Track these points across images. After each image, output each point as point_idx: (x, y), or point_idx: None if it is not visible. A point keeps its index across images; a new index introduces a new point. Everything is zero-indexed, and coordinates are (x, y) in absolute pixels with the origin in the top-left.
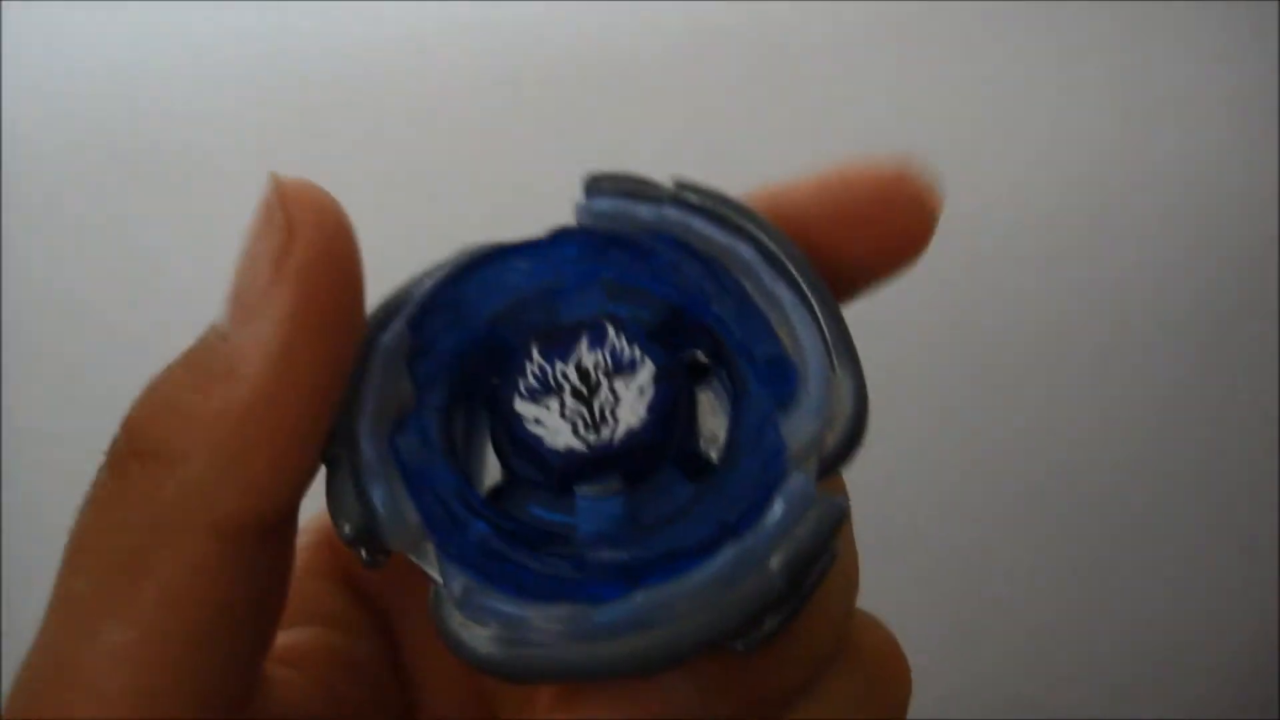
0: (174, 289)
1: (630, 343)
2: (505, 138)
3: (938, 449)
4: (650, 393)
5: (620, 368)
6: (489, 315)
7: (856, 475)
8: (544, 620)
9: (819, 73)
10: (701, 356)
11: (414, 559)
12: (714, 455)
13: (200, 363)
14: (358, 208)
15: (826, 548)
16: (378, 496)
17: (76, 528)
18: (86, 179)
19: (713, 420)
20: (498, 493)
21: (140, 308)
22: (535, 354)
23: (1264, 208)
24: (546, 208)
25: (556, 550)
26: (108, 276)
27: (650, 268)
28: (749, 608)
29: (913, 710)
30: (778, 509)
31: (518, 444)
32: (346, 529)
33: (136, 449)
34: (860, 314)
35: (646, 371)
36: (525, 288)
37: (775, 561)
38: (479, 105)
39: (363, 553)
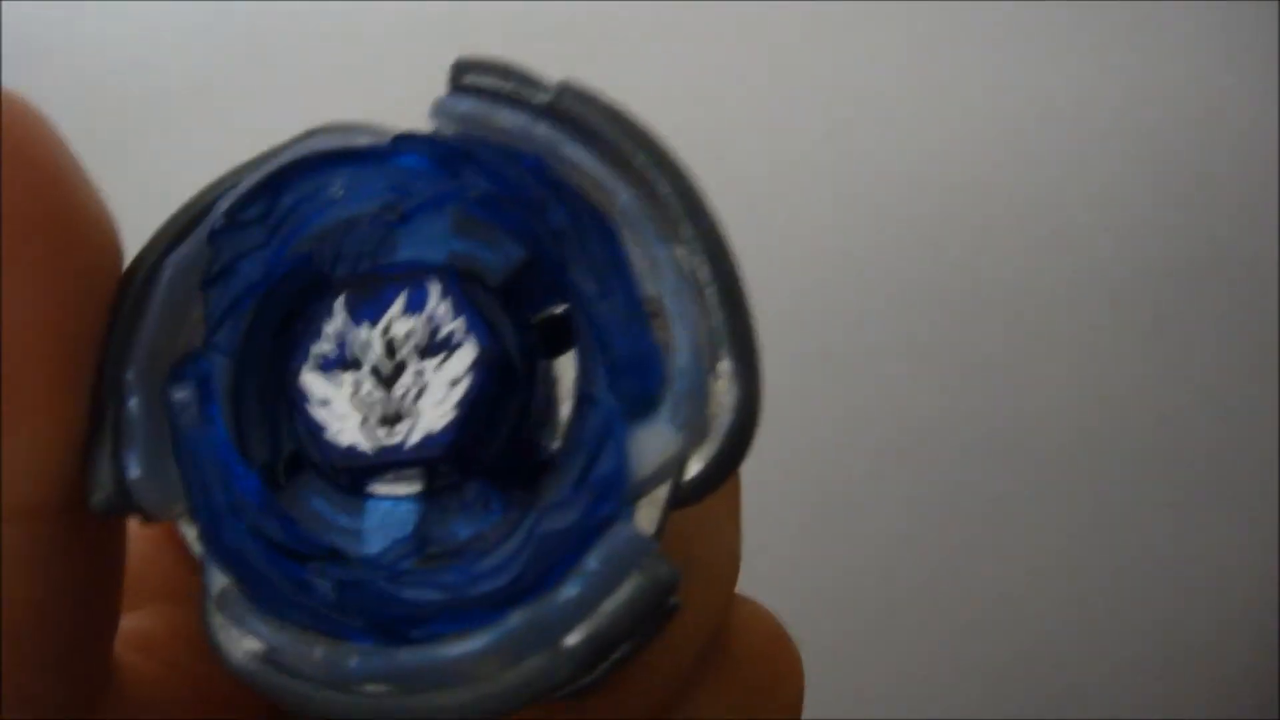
0: None
1: (456, 311)
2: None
3: (927, 437)
4: (464, 385)
5: (434, 346)
6: (309, 236)
7: (848, 469)
8: (297, 653)
9: (809, 42)
10: (553, 312)
11: (183, 532)
12: (537, 439)
13: None
14: None
15: (638, 630)
16: (134, 465)
17: None
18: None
19: (542, 389)
20: (284, 468)
21: None
22: (339, 310)
23: (1264, 208)
24: None
25: (327, 570)
26: None
27: (507, 202)
28: (526, 692)
29: (911, 709)
30: (589, 569)
31: (300, 423)
32: (94, 498)
33: None
34: (856, 307)
35: (465, 357)
36: (358, 205)
37: (571, 640)
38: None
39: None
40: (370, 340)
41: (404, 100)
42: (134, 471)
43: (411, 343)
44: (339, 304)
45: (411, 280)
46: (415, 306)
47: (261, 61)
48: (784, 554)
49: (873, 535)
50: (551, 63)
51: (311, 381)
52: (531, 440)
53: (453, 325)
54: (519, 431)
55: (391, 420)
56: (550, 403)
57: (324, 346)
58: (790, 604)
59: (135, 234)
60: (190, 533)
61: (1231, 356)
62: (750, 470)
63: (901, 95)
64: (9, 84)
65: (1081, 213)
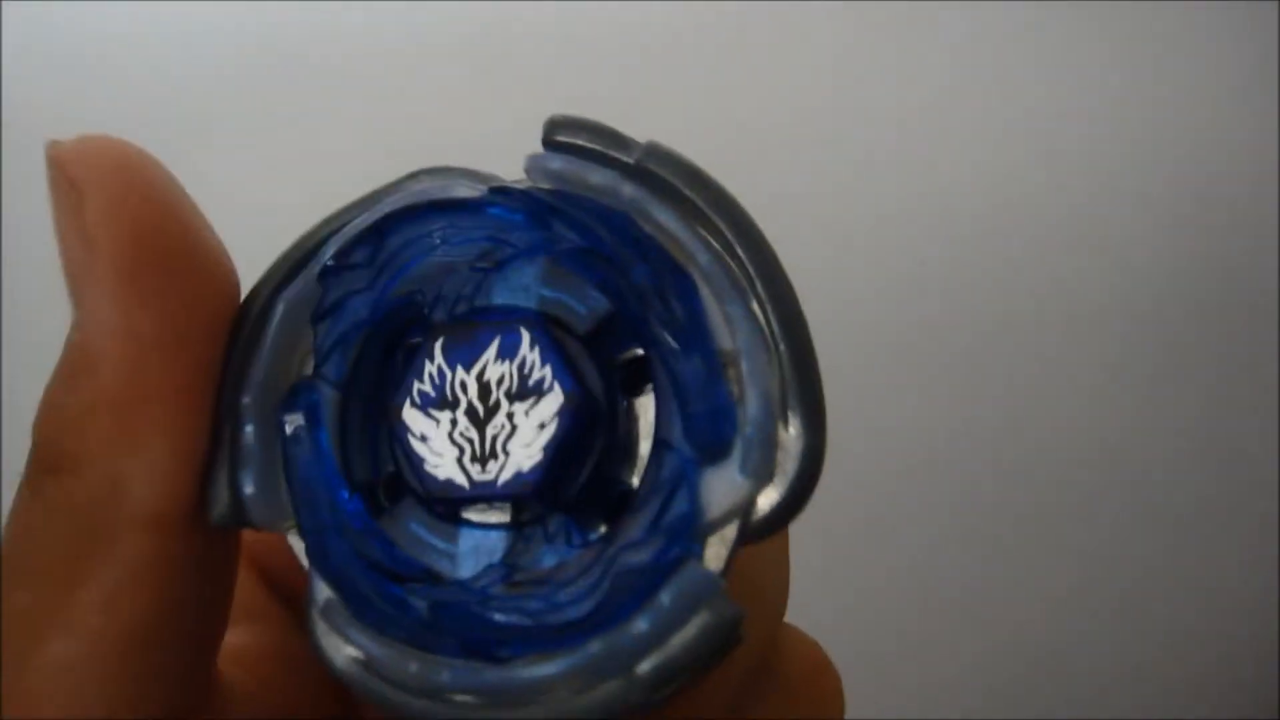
0: None
1: (544, 359)
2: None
3: (934, 445)
4: (551, 429)
5: (525, 391)
6: (411, 278)
7: (851, 468)
8: (395, 665)
9: (811, 49)
10: (634, 360)
11: (292, 544)
12: (619, 479)
13: (65, 362)
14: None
15: (706, 662)
16: (248, 483)
17: (9, 544)
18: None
19: (625, 436)
20: (385, 490)
21: None
22: (438, 353)
23: (1264, 207)
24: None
25: (423, 591)
26: None
27: (594, 256)
28: (600, 713)
29: (908, 706)
30: (661, 604)
31: (400, 454)
32: (212, 514)
33: (44, 463)
34: (853, 306)
35: (553, 402)
36: (456, 252)
37: (643, 668)
38: (466, 71)
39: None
40: (466, 382)
41: (415, 111)
42: (248, 489)
43: (504, 387)
44: (438, 347)
45: (504, 328)
46: (507, 352)
47: (268, 63)
48: (812, 566)
49: (883, 549)
50: (578, 75)
51: (412, 417)
52: (613, 475)
53: (542, 372)
54: (601, 467)
55: (484, 458)
56: (631, 439)
57: (424, 385)
58: (814, 615)
59: None
60: (299, 545)
61: (1252, 366)
62: None
63: (903, 107)
64: (9, 84)
65: (1105, 223)
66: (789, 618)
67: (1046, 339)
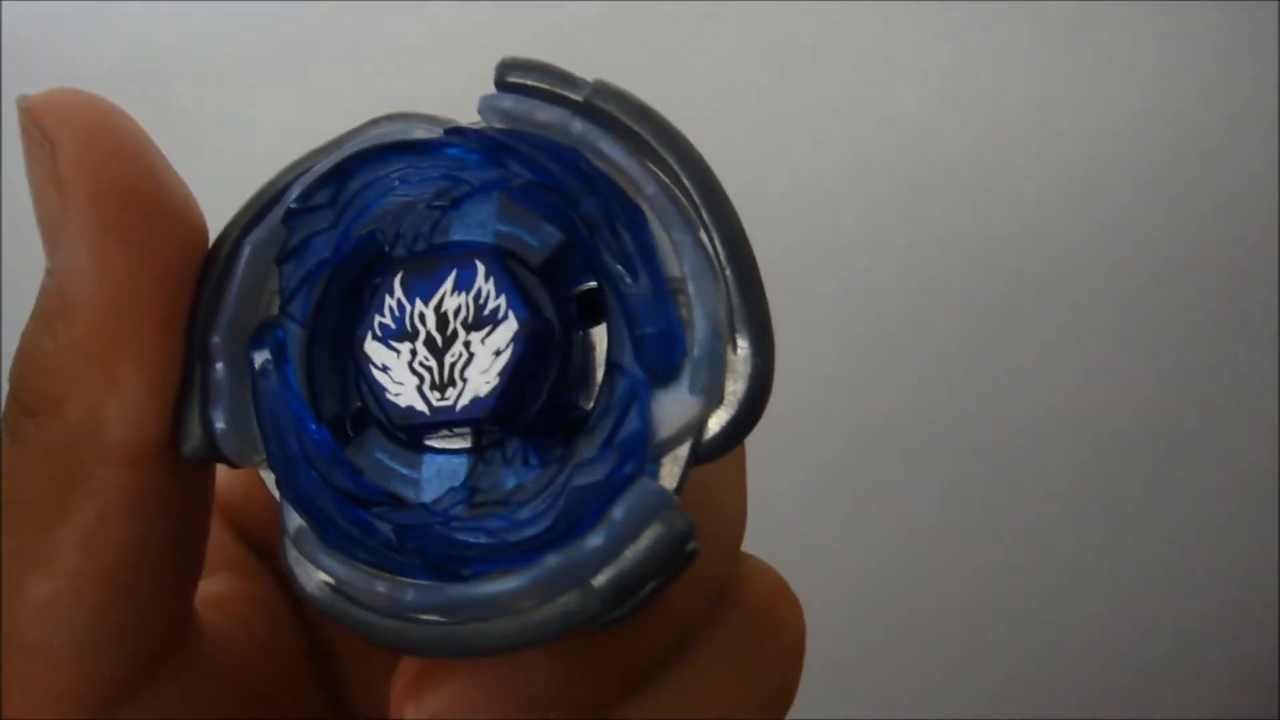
0: None
1: (499, 290)
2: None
3: (928, 437)
4: (506, 355)
5: (480, 320)
6: (372, 218)
7: (846, 457)
8: (362, 586)
9: (808, 36)
10: (586, 289)
11: (262, 477)
12: (572, 402)
13: (41, 308)
14: None
15: (659, 573)
16: (220, 418)
17: None
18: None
19: (577, 361)
20: (351, 423)
21: None
22: (397, 287)
23: (1264, 207)
24: None
25: (388, 515)
26: None
27: (546, 191)
28: (560, 624)
29: (908, 706)
30: (615, 519)
31: (364, 385)
32: (185, 448)
33: (23, 406)
34: (852, 296)
35: (506, 330)
36: (415, 191)
37: (599, 580)
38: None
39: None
40: (425, 314)
41: (419, 84)
42: (220, 424)
43: (461, 317)
44: (397, 281)
45: (460, 261)
46: (464, 284)
47: (272, 48)
48: (806, 554)
49: (873, 542)
50: (577, 58)
51: (374, 349)
52: (569, 401)
53: (496, 302)
54: (557, 394)
55: (443, 385)
56: (587, 367)
57: (384, 318)
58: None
59: None
60: (269, 478)
61: (1248, 355)
62: (774, 470)
63: (902, 101)
64: (9, 84)
65: (1103, 217)
66: None
67: (1045, 329)
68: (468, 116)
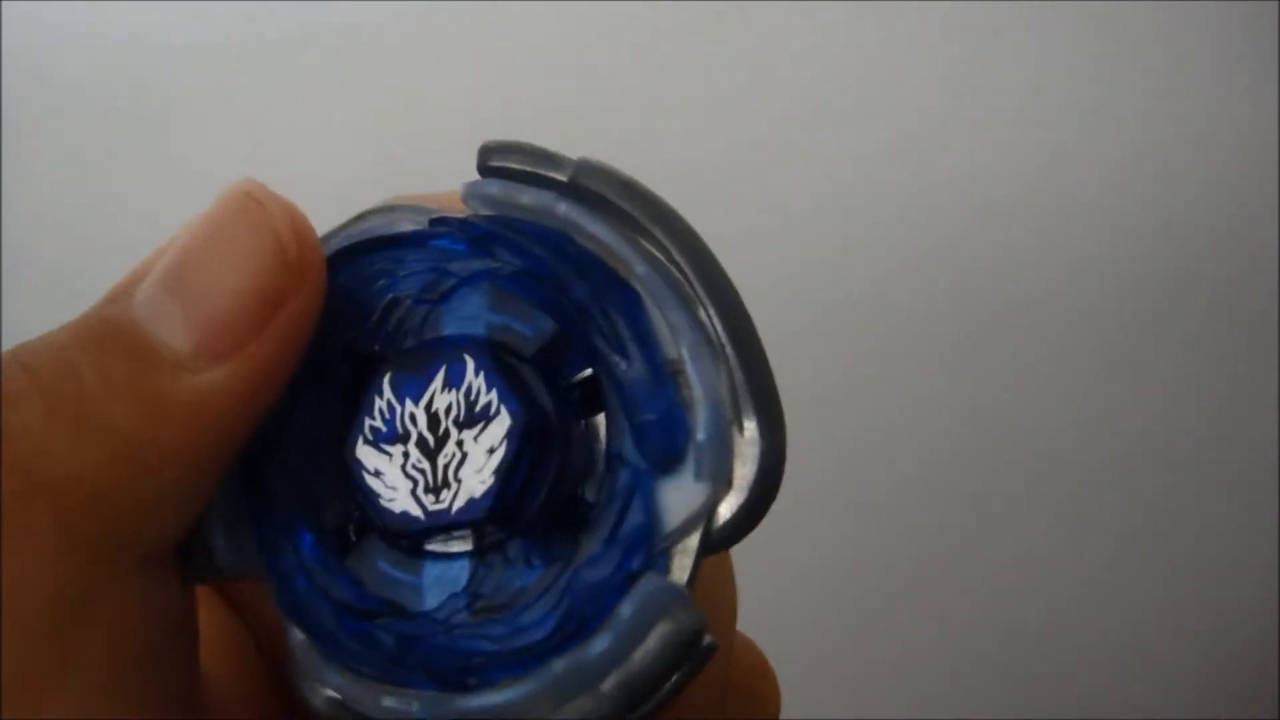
0: None
1: (490, 384)
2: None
3: (931, 443)
4: (501, 452)
5: (472, 417)
6: (362, 315)
7: (850, 466)
8: (369, 701)
9: (809, 42)
10: (583, 378)
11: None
12: (575, 496)
13: (155, 392)
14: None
15: (671, 672)
16: (218, 535)
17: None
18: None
19: (577, 453)
20: (356, 530)
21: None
22: (386, 388)
23: (1264, 207)
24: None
25: (390, 625)
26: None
27: (535, 278)
28: None
29: (908, 707)
30: (622, 617)
31: (358, 491)
32: (186, 573)
33: (46, 486)
34: (853, 309)
35: (500, 426)
36: (403, 285)
37: (608, 685)
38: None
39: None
40: (415, 414)
41: (414, 101)
42: (218, 541)
43: (452, 415)
44: (386, 382)
45: (450, 356)
46: (454, 380)
47: (265, 61)
48: (807, 565)
49: (872, 542)
50: (561, 60)
51: (365, 454)
52: (574, 495)
53: (488, 397)
54: (560, 488)
55: (437, 488)
56: (593, 458)
57: (374, 421)
58: (813, 613)
59: (142, 228)
60: (269, 591)
61: (1250, 361)
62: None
63: (900, 105)
64: (9, 84)
65: (1102, 221)
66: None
67: (1044, 334)
68: (455, 135)
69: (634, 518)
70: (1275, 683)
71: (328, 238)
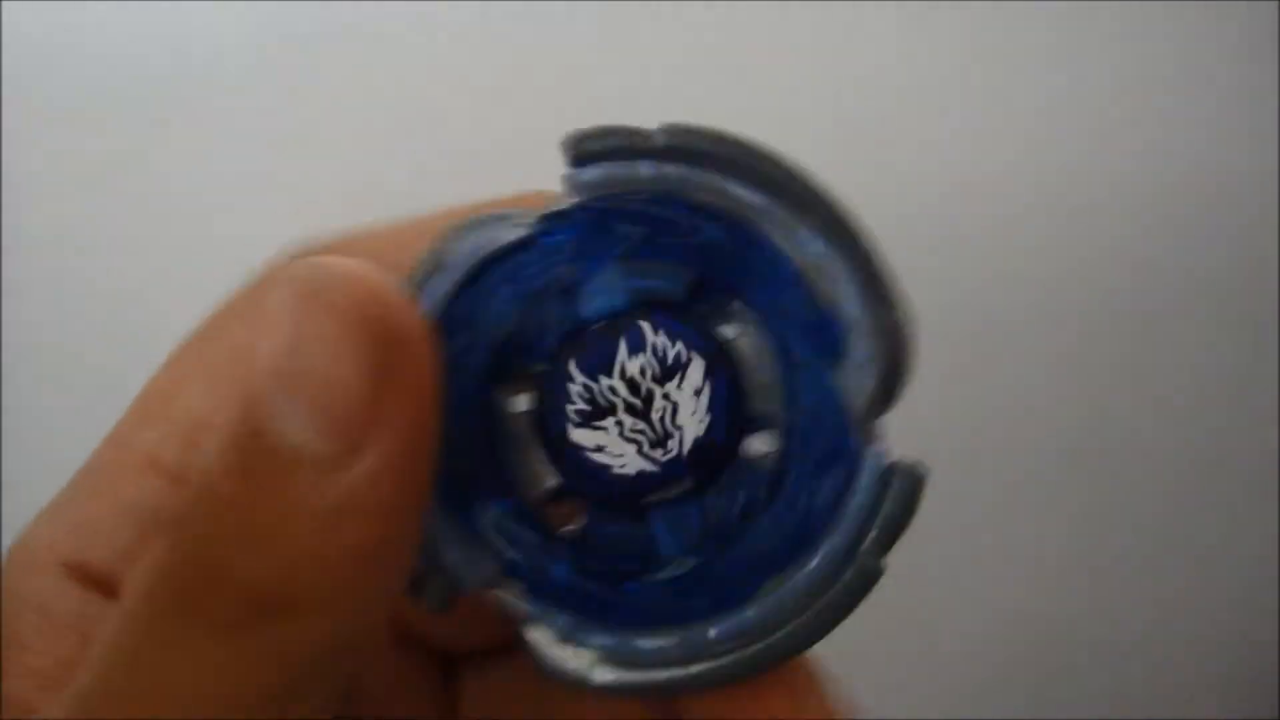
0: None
1: (672, 337)
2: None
3: (933, 441)
4: (707, 391)
5: (668, 371)
6: (508, 323)
7: None
8: (652, 645)
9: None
10: (736, 307)
11: (500, 597)
12: (767, 410)
13: (305, 499)
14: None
15: (912, 515)
16: (452, 561)
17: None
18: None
19: (759, 371)
20: (553, 507)
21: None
22: (574, 371)
23: (1264, 207)
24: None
25: (644, 576)
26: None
27: (663, 235)
28: (855, 599)
29: (907, 706)
30: (861, 492)
31: (582, 472)
32: (434, 604)
33: (258, 605)
34: None
35: (697, 369)
36: (537, 285)
37: (866, 546)
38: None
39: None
40: (614, 385)
41: (424, 99)
42: (457, 571)
43: (649, 376)
44: (572, 367)
45: (622, 327)
46: (636, 348)
47: (270, 62)
48: None
49: None
50: (576, 63)
51: (581, 435)
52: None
53: (675, 349)
54: (751, 407)
55: (662, 440)
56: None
57: (577, 404)
58: None
59: (143, 234)
60: (511, 593)
61: (1252, 361)
62: None
63: (900, 103)
64: (9, 84)
65: (1102, 219)
66: None
67: (1044, 333)
68: (460, 138)
69: (830, 412)
70: (1275, 682)
71: (429, 272)
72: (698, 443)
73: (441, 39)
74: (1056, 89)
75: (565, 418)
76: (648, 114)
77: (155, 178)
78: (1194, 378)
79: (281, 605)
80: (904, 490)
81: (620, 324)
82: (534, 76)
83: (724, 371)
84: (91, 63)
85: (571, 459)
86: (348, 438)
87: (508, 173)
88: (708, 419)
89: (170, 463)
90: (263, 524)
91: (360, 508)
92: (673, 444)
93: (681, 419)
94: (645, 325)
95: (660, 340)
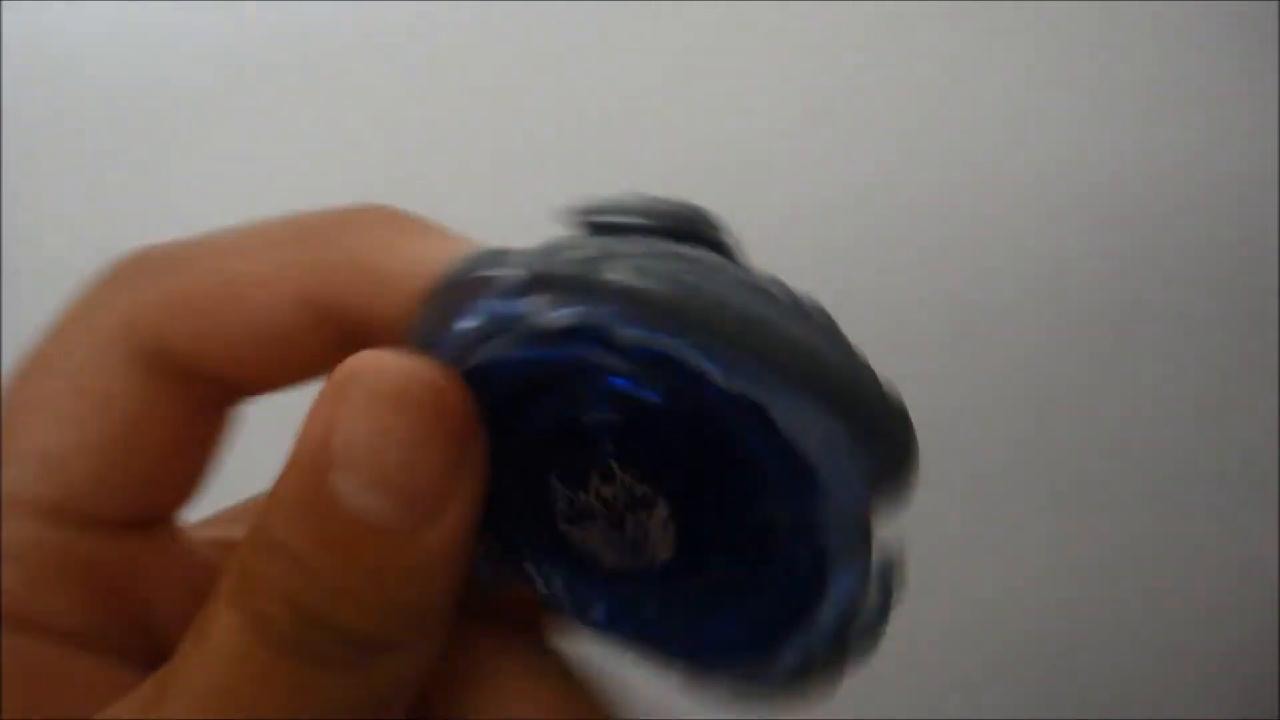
0: None
1: (640, 479)
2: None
3: (930, 440)
4: (672, 529)
5: (635, 503)
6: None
7: None
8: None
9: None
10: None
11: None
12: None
13: (390, 558)
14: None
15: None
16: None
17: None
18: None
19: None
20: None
21: None
22: (558, 485)
23: (1264, 207)
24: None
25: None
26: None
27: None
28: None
29: (906, 707)
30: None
31: (570, 558)
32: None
33: (348, 640)
34: (859, 312)
35: (662, 509)
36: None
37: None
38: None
39: None
40: (590, 503)
41: (425, 101)
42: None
43: (620, 502)
44: (554, 480)
45: (593, 454)
46: (607, 478)
47: (267, 69)
48: None
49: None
50: (572, 73)
51: (568, 530)
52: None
53: (642, 489)
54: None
55: (636, 550)
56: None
57: (563, 507)
58: None
59: (144, 234)
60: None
61: (1252, 361)
62: None
63: (896, 104)
64: (9, 84)
65: (1102, 218)
66: None
67: (1043, 333)
68: (462, 143)
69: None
70: (1276, 683)
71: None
72: (665, 563)
73: (443, 41)
74: (1056, 89)
75: (554, 513)
76: (648, 114)
77: (156, 178)
78: (1194, 377)
79: (378, 646)
80: (884, 580)
81: (591, 448)
82: (534, 77)
83: (688, 515)
84: (92, 64)
85: (562, 544)
86: (429, 511)
87: (508, 173)
88: (673, 548)
89: (31, 500)
90: (354, 584)
91: (439, 563)
92: (645, 554)
93: (652, 539)
94: (614, 465)
95: (627, 479)
